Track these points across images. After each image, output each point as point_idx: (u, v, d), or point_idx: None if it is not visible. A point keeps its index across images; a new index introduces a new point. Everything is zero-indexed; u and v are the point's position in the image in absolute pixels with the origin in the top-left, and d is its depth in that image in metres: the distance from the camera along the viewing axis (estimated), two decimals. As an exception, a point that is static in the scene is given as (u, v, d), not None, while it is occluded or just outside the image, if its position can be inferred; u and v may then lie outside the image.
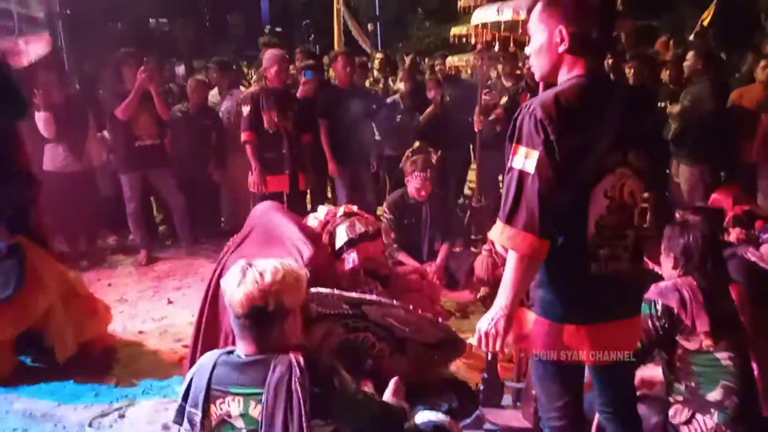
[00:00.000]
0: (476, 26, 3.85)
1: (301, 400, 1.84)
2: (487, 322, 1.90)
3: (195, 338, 3.13)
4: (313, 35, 11.27)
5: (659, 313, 2.61)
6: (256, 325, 1.91)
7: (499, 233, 1.88)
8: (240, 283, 1.91)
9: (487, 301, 4.22)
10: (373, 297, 2.88)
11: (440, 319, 2.98)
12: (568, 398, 2.06)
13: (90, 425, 3.10)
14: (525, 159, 1.83)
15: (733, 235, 3.92)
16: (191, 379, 2.00)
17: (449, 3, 4.60)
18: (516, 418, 2.91)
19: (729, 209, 4.06)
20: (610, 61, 7.10)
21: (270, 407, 1.86)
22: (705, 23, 9.25)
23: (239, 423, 1.91)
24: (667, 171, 5.65)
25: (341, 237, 3.43)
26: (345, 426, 2.00)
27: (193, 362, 3.10)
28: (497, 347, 1.91)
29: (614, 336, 2.02)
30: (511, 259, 1.87)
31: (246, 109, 5.17)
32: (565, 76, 1.93)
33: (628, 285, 2.02)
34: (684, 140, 5.23)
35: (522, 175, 1.84)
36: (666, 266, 2.84)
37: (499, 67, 6.50)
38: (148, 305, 4.65)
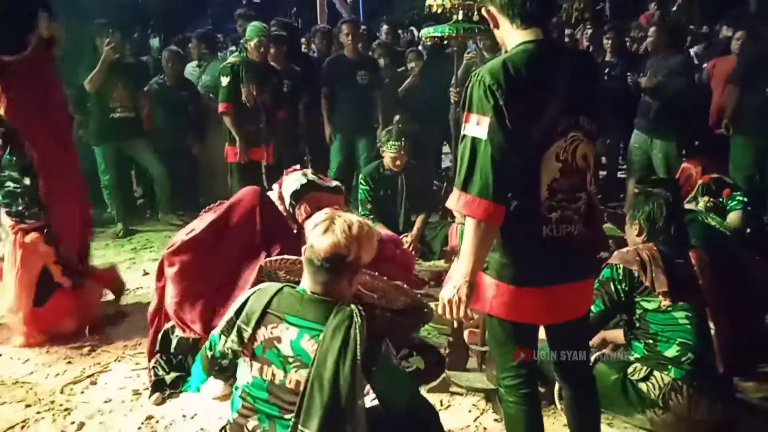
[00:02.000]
0: None
1: (357, 345, 1.92)
2: (449, 290, 1.93)
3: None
4: (295, 8, 11.15)
5: (620, 277, 2.72)
6: (331, 270, 2.00)
7: (455, 200, 1.91)
8: (327, 230, 2.01)
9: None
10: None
11: (406, 285, 3.01)
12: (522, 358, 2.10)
13: (61, 392, 3.13)
14: (476, 126, 1.86)
15: (701, 203, 3.99)
16: (247, 298, 2.09)
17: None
18: (480, 380, 2.97)
19: (698, 178, 4.13)
20: (589, 31, 7.16)
21: (326, 345, 1.94)
22: (688, -5, 9.25)
23: (287, 350, 1.98)
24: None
25: (288, 189, 3.49)
26: (379, 390, 2.06)
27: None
28: (461, 314, 1.94)
29: (567, 298, 2.07)
30: (469, 226, 1.90)
31: (225, 80, 5.15)
32: (513, 44, 1.97)
33: (580, 248, 2.05)
34: (661, 116, 5.24)
35: (474, 141, 1.87)
36: (630, 234, 2.95)
37: (479, 40, 6.48)
38: (124, 276, 4.65)
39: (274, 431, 1.99)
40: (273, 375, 2.00)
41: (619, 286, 2.71)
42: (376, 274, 2.95)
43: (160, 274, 3.24)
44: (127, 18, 6.68)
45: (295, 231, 3.53)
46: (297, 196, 3.67)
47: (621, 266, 2.72)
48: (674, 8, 9.12)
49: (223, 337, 2.12)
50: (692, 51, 7.23)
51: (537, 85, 1.90)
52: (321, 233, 2.02)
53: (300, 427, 1.92)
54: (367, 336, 1.96)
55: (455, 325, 3.09)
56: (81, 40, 5.53)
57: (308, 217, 3.35)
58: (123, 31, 5.71)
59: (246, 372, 2.05)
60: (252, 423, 2.03)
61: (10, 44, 3.49)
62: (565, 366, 2.23)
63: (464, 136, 1.91)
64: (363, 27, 6.82)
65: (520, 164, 1.90)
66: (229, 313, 2.12)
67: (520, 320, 2.05)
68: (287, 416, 1.96)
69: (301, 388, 1.94)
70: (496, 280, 2.00)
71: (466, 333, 3.23)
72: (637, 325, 2.73)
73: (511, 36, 1.99)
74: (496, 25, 2.03)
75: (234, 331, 2.06)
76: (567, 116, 1.94)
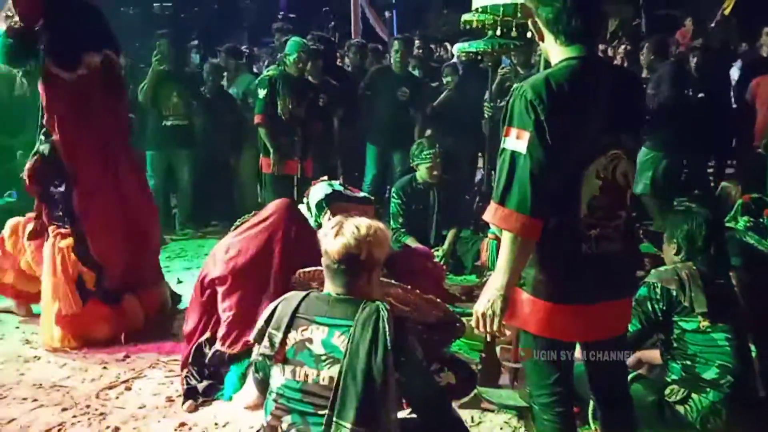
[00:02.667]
0: (477, 10, 3.78)
1: (387, 336, 1.99)
2: (483, 303, 1.93)
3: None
4: (333, 22, 11.28)
5: (658, 296, 2.66)
6: (348, 271, 2.09)
7: (492, 214, 1.92)
8: (338, 234, 2.09)
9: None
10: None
11: (438, 299, 3.00)
12: (558, 375, 2.08)
13: (97, 397, 3.18)
14: (516, 140, 1.86)
15: (741, 222, 3.91)
16: (276, 307, 2.18)
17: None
18: (513, 397, 2.94)
19: (738, 197, 4.06)
20: (628, 47, 7.12)
21: (356, 338, 2.00)
22: (726, 12, 9.12)
23: (319, 349, 2.04)
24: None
25: (314, 199, 3.56)
26: (404, 383, 2.11)
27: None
28: (495, 328, 1.94)
29: (604, 316, 2.04)
30: (505, 240, 1.90)
31: (262, 93, 5.24)
32: (557, 59, 1.97)
33: (618, 266, 2.03)
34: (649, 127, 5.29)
35: (514, 155, 1.87)
36: (668, 253, 2.88)
37: (513, 56, 6.48)
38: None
39: (307, 428, 2.04)
40: (306, 375, 2.05)
41: (656, 306, 2.66)
42: (409, 287, 2.97)
43: (202, 291, 3.28)
44: (176, 31, 6.85)
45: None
46: (322, 205, 3.72)
47: (659, 285, 2.67)
48: (712, 24, 9.00)
49: (255, 345, 2.18)
50: (734, 68, 7.10)
51: (579, 102, 1.89)
52: (332, 237, 2.10)
53: (335, 419, 1.96)
54: (395, 329, 2.02)
55: (488, 339, 3.07)
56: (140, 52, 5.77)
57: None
58: (177, 44, 5.92)
59: (278, 376, 2.10)
60: (286, 422, 2.08)
61: (68, 62, 3.61)
62: (600, 385, 2.20)
63: (504, 149, 1.91)
64: (417, 44, 6.94)
65: (560, 180, 1.90)
66: (260, 322, 2.19)
67: (556, 337, 2.03)
68: (321, 412, 2.00)
69: (335, 383, 2.00)
70: (533, 296, 1.98)
71: (498, 348, 3.21)
72: (675, 345, 2.67)
73: (555, 51, 1.99)
74: (542, 39, 2.03)
75: (266, 338, 2.13)
76: (608, 133, 1.94)
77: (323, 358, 2.03)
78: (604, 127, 1.93)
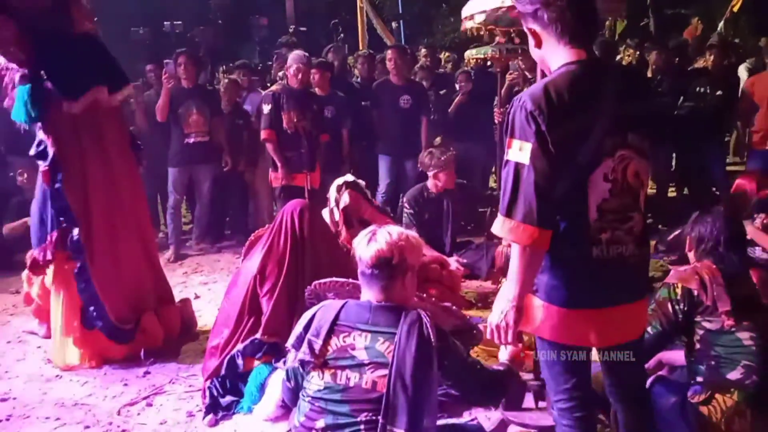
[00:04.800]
0: (468, 17, 3.74)
1: (432, 342, 2.08)
2: (497, 314, 1.93)
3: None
4: (342, 34, 11.37)
5: (679, 297, 2.61)
6: (382, 275, 2.17)
7: (500, 226, 1.91)
8: (371, 241, 2.19)
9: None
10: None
11: (455, 307, 2.99)
12: (575, 380, 2.06)
13: (119, 414, 3.20)
14: (519, 151, 1.86)
15: (758, 220, 3.87)
16: (314, 314, 2.24)
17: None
18: (544, 417, 2.82)
19: (753, 195, 4.02)
20: (637, 52, 7.13)
21: (403, 346, 2.07)
22: (735, 9, 9.07)
23: (362, 355, 2.11)
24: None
25: (336, 182, 4.06)
26: (455, 383, 2.25)
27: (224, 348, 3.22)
28: (509, 339, 1.94)
29: (619, 320, 2.02)
30: (515, 251, 1.89)
31: (267, 108, 5.29)
32: (557, 65, 1.95)
33: (632, 269, 2.00)
34: None
35: (518, 167, 1.86)
36: (688, 252, 2.83)
37: (520, 62, 6.48)
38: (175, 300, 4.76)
39: (341, 428, 2.09)
40: (347, 378, 2.11)
41: (677, 307, 2.61)
42: (425, 295, 2.96)
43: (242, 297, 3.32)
44: (172, 49, 6.94)
45: (345, 250, 3.57)
46: (341, 185, 4.07)
47: (679, 286, 2.62)
48: (721, 23, 8.96)
49: (293, 351, 2.24)
50: (742, 67, 7.07)
51: (580, 107, 1.87)
52: (366, 244, 2.19)
53: (389, 426, 2.03)
54: (437, 335, 2.11)
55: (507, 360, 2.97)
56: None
57: (351, 205, 3.92)
58: (195, 61, 5.97)
59: (317, 380, 2.16)
60: (321, 423, 2.13)
61: (72, 92, 3.64)
62: (619, 389, 2.18)
63: (507, 161, 1.90)
64: (408, 52, 6.93)
65: (566, 186, 1.88)
66: (297, 328, 2.26)
67: (571, 343, 2.01)
68: (358, 417, 2.07)
69: (383, 389, 2.06)
70: (546, 302, 1.97)
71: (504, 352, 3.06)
72: (698, 346, 2.63)
73: (556, 55, 1.96)
74: (539, 44, 2.00)
75: (305, 345, 2.19)
76: (614, 135, 1.91)
77: (366, 362, 2.10)
78: (610, 129, 1.90)
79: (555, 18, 1.91)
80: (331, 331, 2.16)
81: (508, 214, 1.88)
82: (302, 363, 2.19)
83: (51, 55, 3.60)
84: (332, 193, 4.24)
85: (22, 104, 3.54)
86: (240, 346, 3.18)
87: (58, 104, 3.61)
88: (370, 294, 2.21)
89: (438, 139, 6.06)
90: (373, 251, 2.16)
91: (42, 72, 3.58)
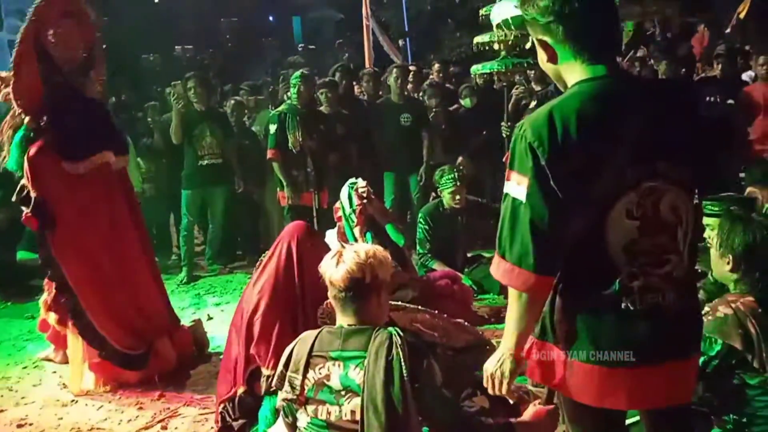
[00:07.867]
0: (498, 27, 3.78)
1: (402, 363, 1.98)
2: (493, 363, 1.77)
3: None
4: (348, 53, 11.46)
5: (714, 353, 2.25)
6: (356, 297, 2.10)
7: (495, 267, 1.71)
8: (339, 262, 2.11)
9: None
10: (399, 303, 2.93)
11: (467, 323, 2.99)
12: None
13: (134, 437, 3.22)
14: (517, 185, 1.63)
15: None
16: (292, 349, 2.19)
17: (480, 13, 4.69)
18: None
19: (764, 202, 3.98)
20: (640, 55, 7.11)
21: (372, 369, 2.00)
22: (741, 16, 9.04)
23: (337, 384, 2.05)
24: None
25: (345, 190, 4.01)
26: (422, 411, 2.06)
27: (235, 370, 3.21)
28: (504, 390, 1.77)
29: (658, 381, 1.72)
30: (511, 297, 1.71)
31: (272, 128, 5.35)
32: (572, 82, 1.69)
33: (673, 321, 1.70)
34: None
35: (514, 203, 1.64)
36: (720, 266, 2.42)
37: (527, 75, 6.50)
38: (188, 322, 4.77)
39: None
40: (328, 413, 2.06)
41: (712, 363, 2.24)
42: (437, 312, 2.97)
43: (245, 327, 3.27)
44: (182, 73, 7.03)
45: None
46: (354, 184, 4.05)
47: (718, 340, 2.23)
48: (727, 30, 8.93)
49: (279, 392, 2.20)
50: (746, 75, 7.02)
51: (592, 135, 1.59)
52: (334, 266, 2.11)
53: None
54: (409, 354, 2.01)
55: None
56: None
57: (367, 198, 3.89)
58: (206, 84, 6.01)
59: (303, 417, 2.12)
60: None
61: (77, 152, 3.68)
62: None
63: (506, 194, 1.67)
64: (411, 70, 6.99)
65: (579, 226, 1.64)
66: (279, 367, 2.22)
67: (599, 405, 1.73)
68: None
69: (357, 416, 1.99)
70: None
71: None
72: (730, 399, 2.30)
73: (572, 71, 1.69)
74: (552, 59, 1.72)
75: (286, 383, 2.15)
76: (639, 165, 1.63)
77: (342, 393, 2.04)
78: (633, 158, 1.62)
79: (572, 33, 1.65)
80: (308, 365, 2.10)
81: (503, 253, 1.67)
82: (288, 401, 2.15)
83: (63, 112, 3.64)
84: (343, 193, 4.12)
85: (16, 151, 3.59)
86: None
87: (54, 158, 3.62)
88: (343, 318, 2.14)
89: (460, 159, 6.08)
90: (343, 272, 2.08)
91: (42, 123, 3.59)
